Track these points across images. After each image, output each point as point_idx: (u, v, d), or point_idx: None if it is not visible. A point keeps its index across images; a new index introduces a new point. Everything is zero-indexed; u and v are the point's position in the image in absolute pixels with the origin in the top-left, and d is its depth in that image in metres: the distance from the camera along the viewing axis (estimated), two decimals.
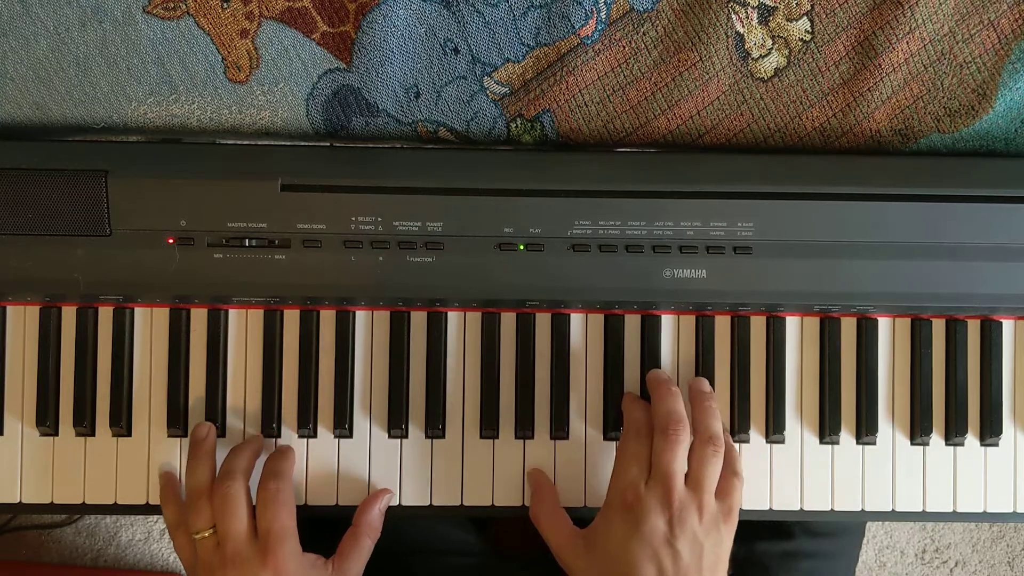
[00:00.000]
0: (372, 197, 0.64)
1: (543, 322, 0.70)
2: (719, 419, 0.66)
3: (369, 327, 0.70)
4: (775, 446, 0.71)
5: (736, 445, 0.70)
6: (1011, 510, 0.71)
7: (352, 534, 0.67)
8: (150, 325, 0.69)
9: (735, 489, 0.65)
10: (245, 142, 0.68)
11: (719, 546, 0.63)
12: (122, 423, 0.68)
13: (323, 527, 0.71)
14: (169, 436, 0.69)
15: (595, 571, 0.63)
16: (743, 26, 0.67)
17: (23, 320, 0.69)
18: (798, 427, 0.71)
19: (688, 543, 0.61)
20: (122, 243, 0.64)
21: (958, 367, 0.71)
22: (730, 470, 0.65)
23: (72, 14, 0.64)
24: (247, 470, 0.65)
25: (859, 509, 0.71)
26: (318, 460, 0.70)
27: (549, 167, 0.66)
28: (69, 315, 0.69)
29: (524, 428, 0.70)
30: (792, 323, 0.71)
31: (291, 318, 0.69)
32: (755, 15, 0.67)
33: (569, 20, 0.66)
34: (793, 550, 0.78)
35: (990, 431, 0.71)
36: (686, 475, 0.63)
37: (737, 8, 0.67)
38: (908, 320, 0.72)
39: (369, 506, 0.67)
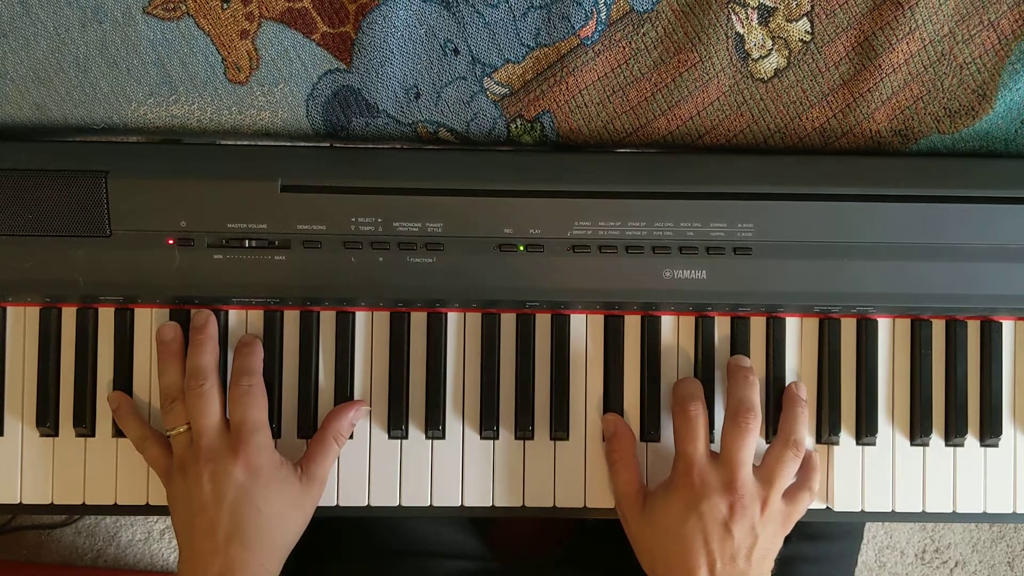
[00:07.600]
0: (372, 198, 0.64)
1: (543, 323, 0.70)
2: (806, 427, 0.67)
3: (369, 328, 0.70)
4: None
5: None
6: (1011, 510, 0.71)
7: (319, 439, 0.67)
8: (150, 326, 0.69)
9: (802, 501, 0.66)
10: (245, 143, 0.68)
11: (771, 542, 0.64)
12: None
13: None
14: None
15: (647, 532, 0.64)
16: (743, 27, 0.67)
17: (23, 320, 0.69)
18: None
19: (744, 530, 0.62)
20: (122, 244, 0.64)
21: (958, 368, 0.71)
22: (805, 483, 0.67)
23: (72, 15, 0.64)
24: (215, 366, 0.66)
25: (859, 510, 0.71)
26: None
27: (549, 168, 0.66)
28: (69, 316, 0.69)
29: (524, 429, 0.70)
30: (792, 324, 0.71)
31: (291, 319, 0.69)
32: (755, 16, 0.67)
33: (569, 21, 0.66)
34: (792, 555, 0.77)
35: (990, 431, 0.71)
36: (758, 467, 0.65)
37: (737, 9, 0.67)
38: (908, 321, 0.72)
39: (340, 414, 0.67)
